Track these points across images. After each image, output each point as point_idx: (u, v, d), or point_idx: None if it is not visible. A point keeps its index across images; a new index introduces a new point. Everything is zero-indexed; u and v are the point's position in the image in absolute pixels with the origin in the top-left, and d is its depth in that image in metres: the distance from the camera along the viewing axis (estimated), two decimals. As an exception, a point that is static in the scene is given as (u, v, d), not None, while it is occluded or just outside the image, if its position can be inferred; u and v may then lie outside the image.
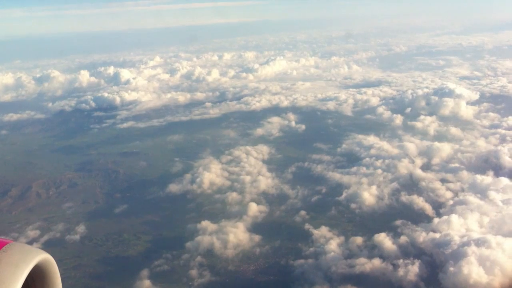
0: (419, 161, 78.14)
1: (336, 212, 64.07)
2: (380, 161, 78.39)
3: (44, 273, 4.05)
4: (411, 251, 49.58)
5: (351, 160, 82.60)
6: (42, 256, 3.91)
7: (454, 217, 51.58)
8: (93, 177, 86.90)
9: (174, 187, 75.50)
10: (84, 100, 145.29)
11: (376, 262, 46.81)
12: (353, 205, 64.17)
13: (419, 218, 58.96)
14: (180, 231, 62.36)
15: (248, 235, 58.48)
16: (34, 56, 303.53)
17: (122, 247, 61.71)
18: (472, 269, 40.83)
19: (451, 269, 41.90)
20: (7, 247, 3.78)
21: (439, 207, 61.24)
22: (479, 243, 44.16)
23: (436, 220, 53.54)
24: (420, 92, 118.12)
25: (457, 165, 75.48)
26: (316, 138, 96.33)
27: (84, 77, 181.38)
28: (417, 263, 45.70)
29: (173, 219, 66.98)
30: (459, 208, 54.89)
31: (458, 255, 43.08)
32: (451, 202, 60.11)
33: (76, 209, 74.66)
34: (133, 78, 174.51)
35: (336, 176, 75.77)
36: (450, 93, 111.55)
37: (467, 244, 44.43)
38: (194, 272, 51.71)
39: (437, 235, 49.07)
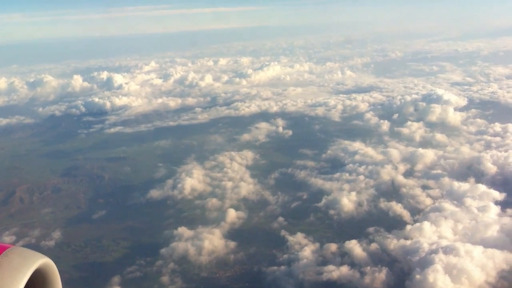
0: (402, 168, 77.80)
1: (314, 218, 63.71)
2: (363, 167, 78.02)
3: (45, 277, 4.11)
4: (384, 258, 49.15)
5: (335, 166, 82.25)
6: (42, 260, 3.96)
7: (426, 224, 51.23)
8: (77, 182, 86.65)
9: (155, 193, 75.15)
10: (75, 105, 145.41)
11: (344, 269, 46.50)
12: (331, 212, 63.74)
13: (397, 225, 58.42)
14: (158, 237, 62.05)
15: (223, 241, 58.11)
16: (31, 61, 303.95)
17: (100, 253, 61.42)
18: (437, 277, 40.40)
19: (418, 276, 41.50)
20: (8, 252, 3.82)
21: (417, 213, 60.95)
22: (447, 250, 43.76)
23: (408, 227, 53.23)
24: (408, 98, 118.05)
25: (439, 171, 75.12)
26: (302, 144, 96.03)
27: (77, 82, 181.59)
28: (384, 270, 45.36)
29: (152, 225, 66.60)
30: (433, 215, 54.51)
31: (425, 263, 42.72)
32: (428, 209, 59.67)
33: (57, 215, 74.40)
34: (126, 83, 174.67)
35: (318, 182, 75.37)
36: (438, 99, 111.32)
37: (435, 251, 44.03)
38: (165, 279, 51.36)
39: (408, 242, 48.77)
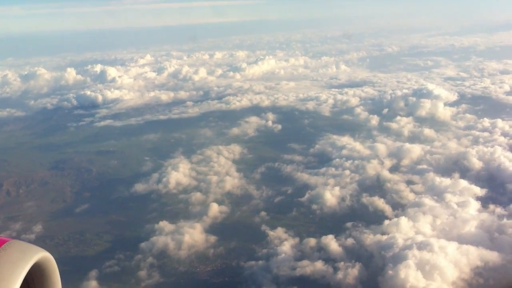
0: (388, 162, 77.63)
1: (297, 213, 63.62)
2: (349, 162, 77.82)
3: (44, 271, 4.09)
4: (360, 253, 49.03)
5: (323, 160, 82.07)
6: (41, 254, 3.95)
7: (403, 220, 51.14)
8: (65, 175, 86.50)
9: (140, 187, 75.04)
10: (67, 98, 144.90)
11: (318, 264, 46.43)
12: (314, 206, 63.60)
13: (378, 220, 58.17)
14: (140, 231, 61.99)
15: (204, 236, 58.02)
16: (27, 54, 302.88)
17: (82, 247, 61.44)
18: (409, 273, 40.34)
19: (390, 272, 41.46)
20: (6, 245, 3.81)
21: (399, 209, 60.80)
22: (421, 246, 43.69)
23: (386, 222, 53.10)
24: (399, 93, 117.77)
25: (425, 166, 74.95)
26: (291, 138, 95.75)
27: (71, 75, 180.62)
28: (357, 266, 45.29)
29: (135, 219, 66.48)
30: (412, 210, 54.45)
31: (399, 258, 42.66)
32: (408, 204, 59.58)
33: (42, 208, 74.32)
34: (119, 76, 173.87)
35: (304, 176, 75.20)
36: (428, 94, 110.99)
37: (409, 247, 43.95)
38: (143, 273, 51.31)
39: (384, 238, 48.67)
